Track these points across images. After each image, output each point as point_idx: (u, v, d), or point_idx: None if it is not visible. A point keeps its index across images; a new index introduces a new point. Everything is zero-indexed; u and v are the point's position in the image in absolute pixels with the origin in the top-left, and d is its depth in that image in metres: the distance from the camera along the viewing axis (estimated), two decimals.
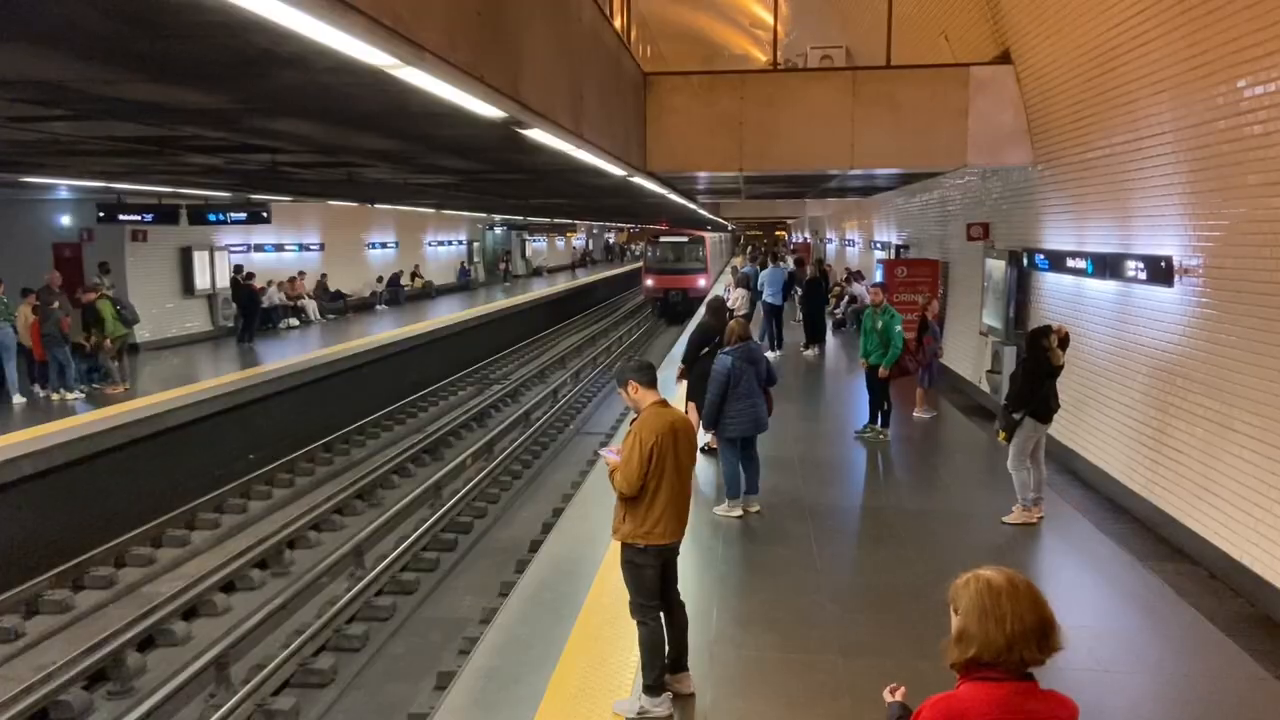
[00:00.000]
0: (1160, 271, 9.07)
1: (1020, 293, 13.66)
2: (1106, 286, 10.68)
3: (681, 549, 5.50)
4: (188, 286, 21.82)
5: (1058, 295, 12.49)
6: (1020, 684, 2.41)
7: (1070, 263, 11.39)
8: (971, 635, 2.41)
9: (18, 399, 13.78)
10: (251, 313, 21.40)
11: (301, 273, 26.46)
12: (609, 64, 10.59)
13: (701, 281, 36.44)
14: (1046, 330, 8.49)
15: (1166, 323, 9.25)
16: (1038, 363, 8.38)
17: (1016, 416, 8.39)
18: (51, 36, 4.63)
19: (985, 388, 14.67)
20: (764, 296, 20.06)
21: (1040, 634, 2.41)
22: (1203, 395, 8.54)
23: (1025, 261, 13.12)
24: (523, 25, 6.74)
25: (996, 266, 14.30)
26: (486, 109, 6.04)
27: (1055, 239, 12.34)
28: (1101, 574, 7.62)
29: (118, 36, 4.56)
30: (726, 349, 8.86)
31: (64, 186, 17.28)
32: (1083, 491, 10.61)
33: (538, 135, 7.57)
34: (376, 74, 4.64)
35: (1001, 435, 8.58)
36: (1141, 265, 9.47)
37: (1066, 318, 12.11)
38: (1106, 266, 10.30)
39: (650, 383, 5.40)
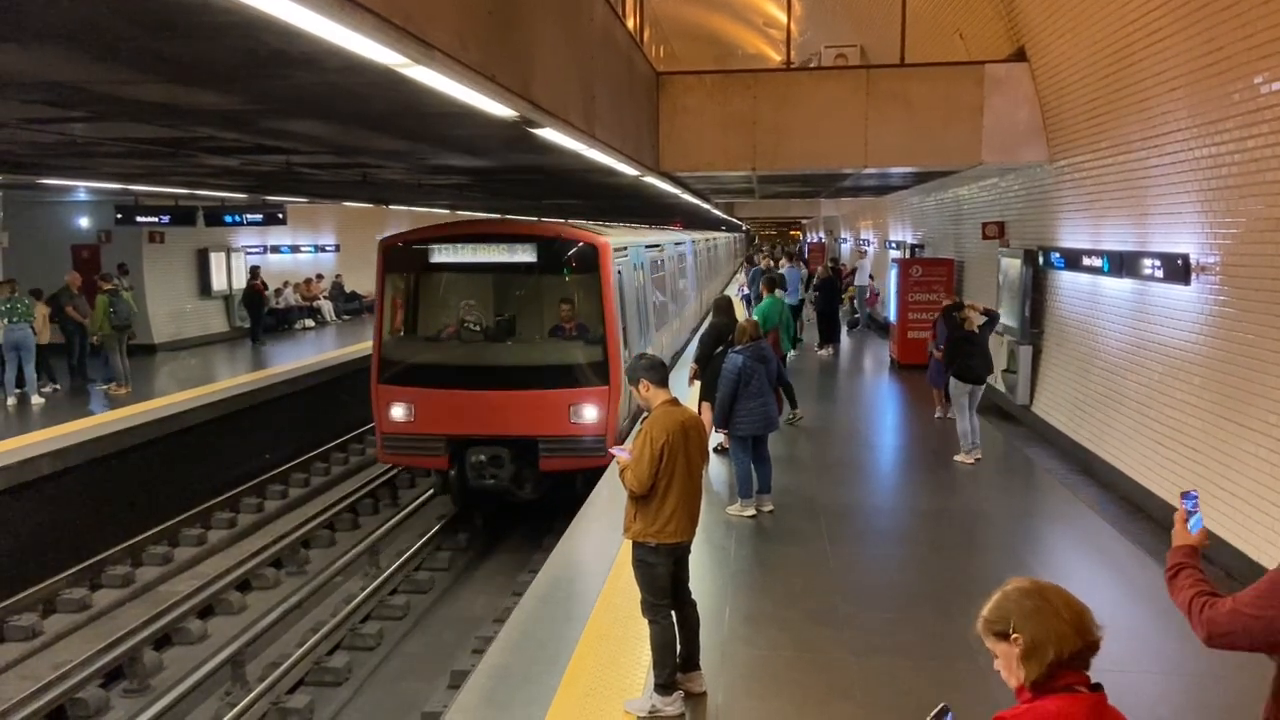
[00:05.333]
0: (1177, 269, 9.00)
1: (1036, 291, 13.58)
2: (1123, 285, 10.60)
3: (693, 548, 5.50)
4: (204, 288, 21.98)
5: (1074, 294, 12.42)
6: (1099, 696, 2.32)
7: (1086, 261, 11.31)
8: (1042, 639, 2.29)
9: (35, 399, 13.90)
10: (257, 314, 21.51)
11: (319, 275, 26.59)
12: (621, 63, 10.59)
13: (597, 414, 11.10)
14: (959, 305, 11.34)
15: (1183, 321, 9.18)
16: (954, 332, 10.90)
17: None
18: (67, 38, 4.66)
19: (1001, 387, 14.59)
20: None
21: (1084, 615, 2.35)
22: (1219, 394, 8.47)
23: (1041, 260, 13.05)
24: (534, 24, 6.75)
25: (1012, 265, 14.22)
26: (498, 108, 6.05)
27: (1071, 237, 12.27)
28: (1117, 572, 7.57)
29: (132, 37, 4.59)
30: (737, 348, 8.85)
31: (82, 188, 17.42)
32: (1098, 490, 10.54)
33: (549, 135, 7.57)
34: (388, 74, 4.66)
35: (938, 396, 11.42)
36: (1158, 263, 9.40)
37: (1083, 316, 12.05)
38: (1122, 265, 10.23)
39: (662, 381, 5.40)
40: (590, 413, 10.70)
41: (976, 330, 10.78)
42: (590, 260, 11.13)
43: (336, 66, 4.91)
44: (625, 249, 12.74)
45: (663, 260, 17.70)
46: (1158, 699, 5.44)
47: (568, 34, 7.96)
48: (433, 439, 10.86)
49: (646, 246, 15.34)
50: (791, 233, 68.03)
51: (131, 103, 6.66)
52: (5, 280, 14.61)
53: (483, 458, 10.64)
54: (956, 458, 10.78)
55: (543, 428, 10.67)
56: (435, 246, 11.23)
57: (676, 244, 21.35)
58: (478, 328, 11.36)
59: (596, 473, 10.08)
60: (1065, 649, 2.28)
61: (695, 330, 20.47)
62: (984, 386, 10.78)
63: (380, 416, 11.13)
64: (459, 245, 11.26)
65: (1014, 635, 2.31)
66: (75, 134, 8.67)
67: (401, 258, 11.55)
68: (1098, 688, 2.32)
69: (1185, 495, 3.25)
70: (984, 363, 10.76)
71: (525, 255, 11.09)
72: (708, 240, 33.50)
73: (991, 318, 11.35)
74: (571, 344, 11.19)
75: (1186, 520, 3.19)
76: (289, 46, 4.51)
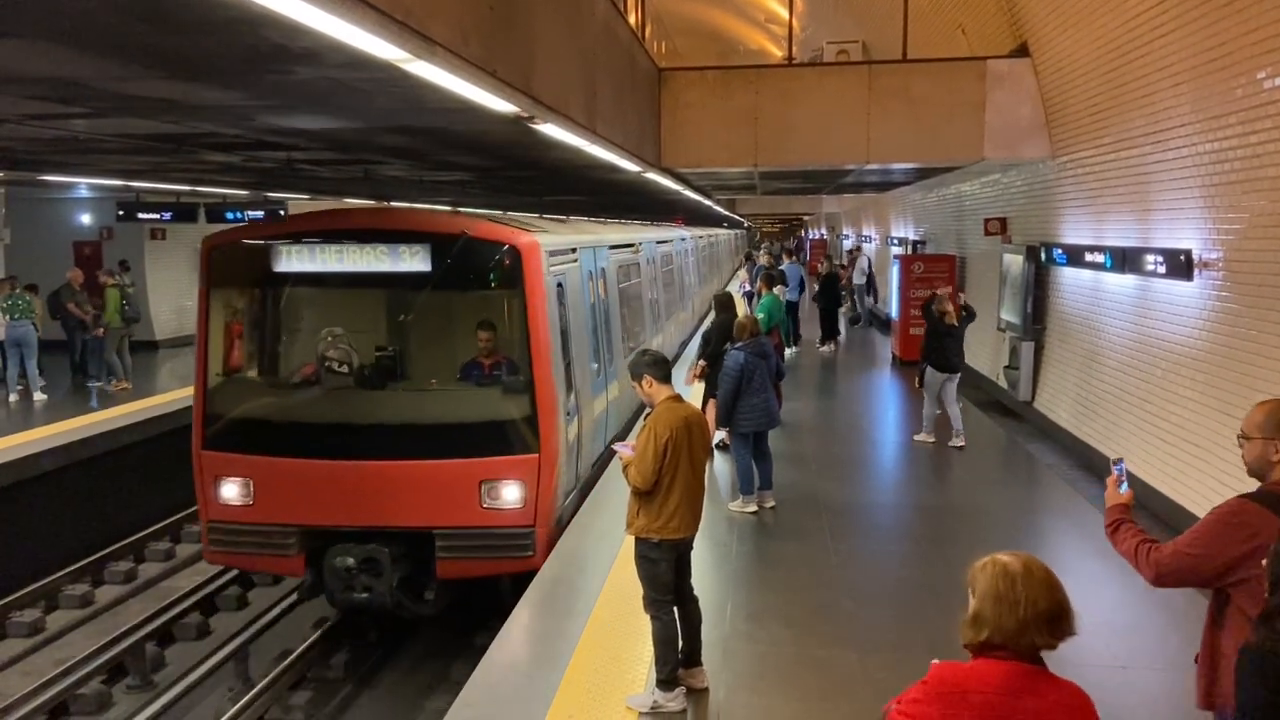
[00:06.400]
0: (1179, 265, 8.99)
1: (1038, 288, 13.57)
2: (1125, 281, 10.59)
3: (695, 544, 5.50)
4: None
5: (1076, 290, 12.41)
6: (1027, 666, 2.46)
7: (1088, 257, 11.30)
8: (985, 618, 2.48)
9: (38, 396, 13.91)
10: None
11: None
12: (623, 59, 10.58)
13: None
14: (934, 298, 11.41)
15: (1185, 316, 9.16)
16: (933, 325, 11.17)
17: (922, 367, 11.23)
18: (68, 33, 4.66)
19: (1003, 383, 14.59)
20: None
21: (1052, 619, 2.45)
22: (1221, 389, 8.46)
23: (1043, 256, 13.03)
24: (535, 19, 6.74)
25: (1014, 261, 14.21)
26: (499, 104, 6.04)
27: (1073, 233, 12.25)
28: (1120, 569, 7.53)
29: (133, 32, 4.58)
30: (739, 345, 8.83)
31: (84, 185, 17.44)
32: (1100, 486, 10.52)
33: (551, 130, 7.56)
34: (389, 69, 4.65)
35: (916, 382, 11.38)
36: (1160, 259, 9.39)
37: (1085, 312, 12.04)
38: (1125, 260, 10.22)
39: (665, 377, 5.40)
40: (511, 492, 7.57)
41: (956, 324, 11.17)
42: (507, 269, 7.83)
43: (338, 62, 4.91)
44: (571, 252, 9.46)
45: (639, 265, 14.20)
46: (1159, 695, 5.43)
47: (569, 29, 7.95)
48: (280, 532, 7.66)
49: (613, 248, 12.13)
50: (798, 233, 67.76)
51: (133, 99, 6.66)
52: (6, 277, 14.63)
53: (350, 561, 7.42)
54: (917, 437, 11.49)
55: (441, 515, 7.53)
56: (283, 248, 7.91)
57: (661, 243, 17.69)
58: (346, 368, 7.97)
59: (529, 574, 7.32)
60: (999, 637, 2.46)
61: (685, 345, 18.60)
62: (959, 375, 11.34)
63: (204, 497, 7.90)
64: (317, 246, 7.88)
65: (971, 599, 2.55)
66: (77, 130, 8.66)
67: (234, 264, 8.23)
68: (1037, 660, 2.48)
69: (1115, 463, 3.74)
70: (959, 354, 11.36)
71: (415, 261, 7.74)
72: (708, 237, 31.35)
73: (969, 313, 11.77)
74: (485, 392, 8.00)
75: (1118, 484, 3.65)
76: (290, 42, 4.50)
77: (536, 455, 7.63)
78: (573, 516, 8.41)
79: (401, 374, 8.16)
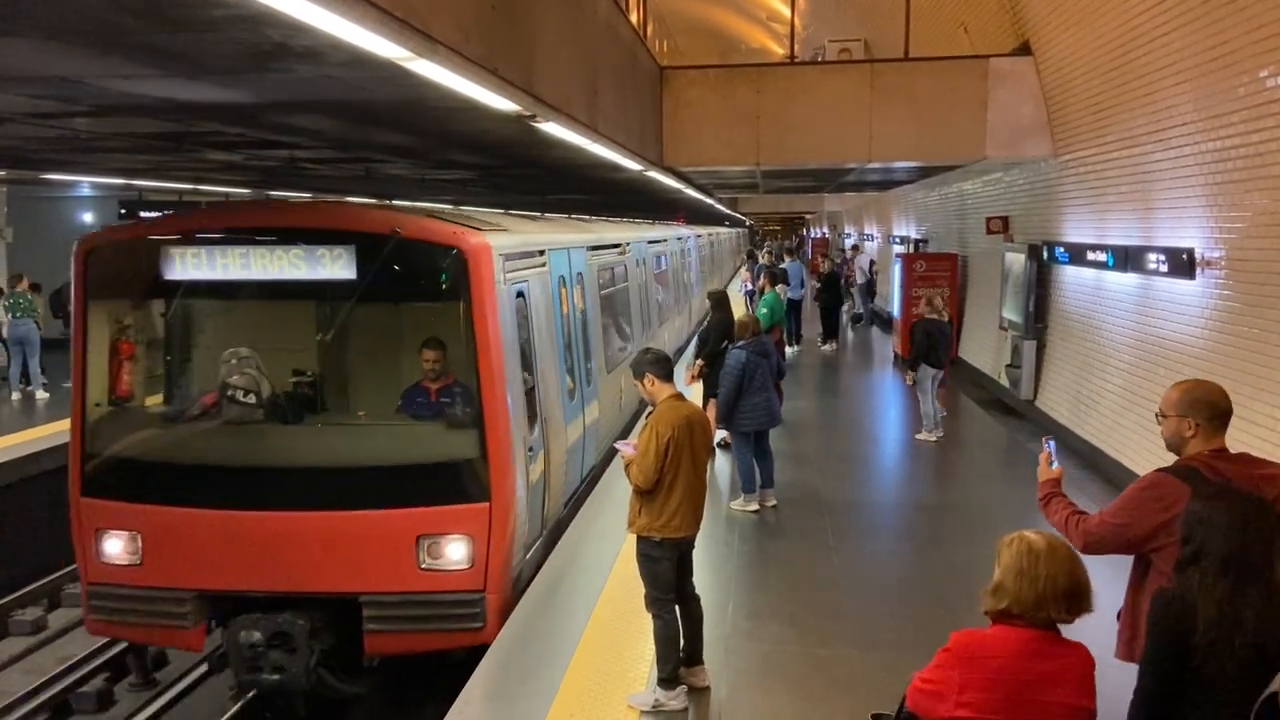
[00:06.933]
0: (1182, 264, 8.97)
1: (1040, 286, 13.55)
2: (1127, 279, 10.57)
3: (697, 543, 5.50)
4: None
5: (1078, 288, 12.39)
6: (1043, 633, 2.73)
7: (1091, 255, 11.28)
8: (1006, 590, 2.75)
9: (40, 394, 13.93)
10: None
11: None
12: (625, 57, 10.57)
13: None
14: (929, 304, 12.12)
15: (1188, 315, 9.15)
16: (928, 325, 11.72)
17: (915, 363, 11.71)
18: (68, 31, 4.66)
19: (1005, 382, 14.57)
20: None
21: (1071, 596, 2.72)
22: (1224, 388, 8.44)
23: (1045, 255, 13.02)
24: (537, 18, 6.74)
25: (1016, 260, 14.19)
26: (501, 102, 6.04)
27: (1075, 232, 12.24)
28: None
29: (133, 30, 4.58)
30: (740, 343, 8.83)
31: (86, 184, 17.44)
32: (1102, 485, 10.51)
33: (553, 129, 7.55)
34: (390, 67, 4.65)
35: (910, 377, 11.68)
36: (1163, 257, 9.37)
37: (1087, 311, 12.03)
38: (1127, 259, 10.20)
39: (667, 376, 5.41)
40: (455, 550, 6.22)
41: (946, 320, 12.07)
42: (450, 276, 6.44)
43: (339, 60, 4.91)
44: (537, 255, 8.16)
45: (626, 268, 12.90)
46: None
47: (571, 28, 7.95)
48: (174, 598, 6.30)
49: (593, 249, 10.89)
50: (799, 231, 67.74)
51: (135, 97, 6.66)
52: (15, 275, 14.64)
53: (256, 635, 6.10)
54: (919, 436, 11.70)
55: (370, 578, 6.22)
56: (175, 251, 6.49)
57: (653, 242, 16.13)
58: (253, 398, 6.66)
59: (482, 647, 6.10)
60: (1017, 608, 2.74)
61: (682, 352, 17.12)
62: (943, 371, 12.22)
63: (84, 554, 6.53)
64: (216, 249, 6.46)
65: (996, 571, 2.83)
66: (79, 128, 8.67)
67: (118, 270, 6.84)
68: (1051, 626, 2.75)
69: (1046, 440, 4.17)
70: (947, 350, 12.28)
71: (338, 267, 6.36)
72: (709, 236, 29.83)
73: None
74: (424, 426, 6.68)
75: (1049, 461, 4.03)
76: (292, 40, 4.50)
77: (487, 504, 6.25)
78: (536, 572, 7.07)
79: (322, 405, 6.78)
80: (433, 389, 6.69)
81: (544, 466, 7.40)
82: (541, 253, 8.29)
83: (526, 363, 7.20)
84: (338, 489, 6.30)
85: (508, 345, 6.61)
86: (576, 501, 8.79)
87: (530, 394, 7.16)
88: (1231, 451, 3.71)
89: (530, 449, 6.94)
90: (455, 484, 6.31)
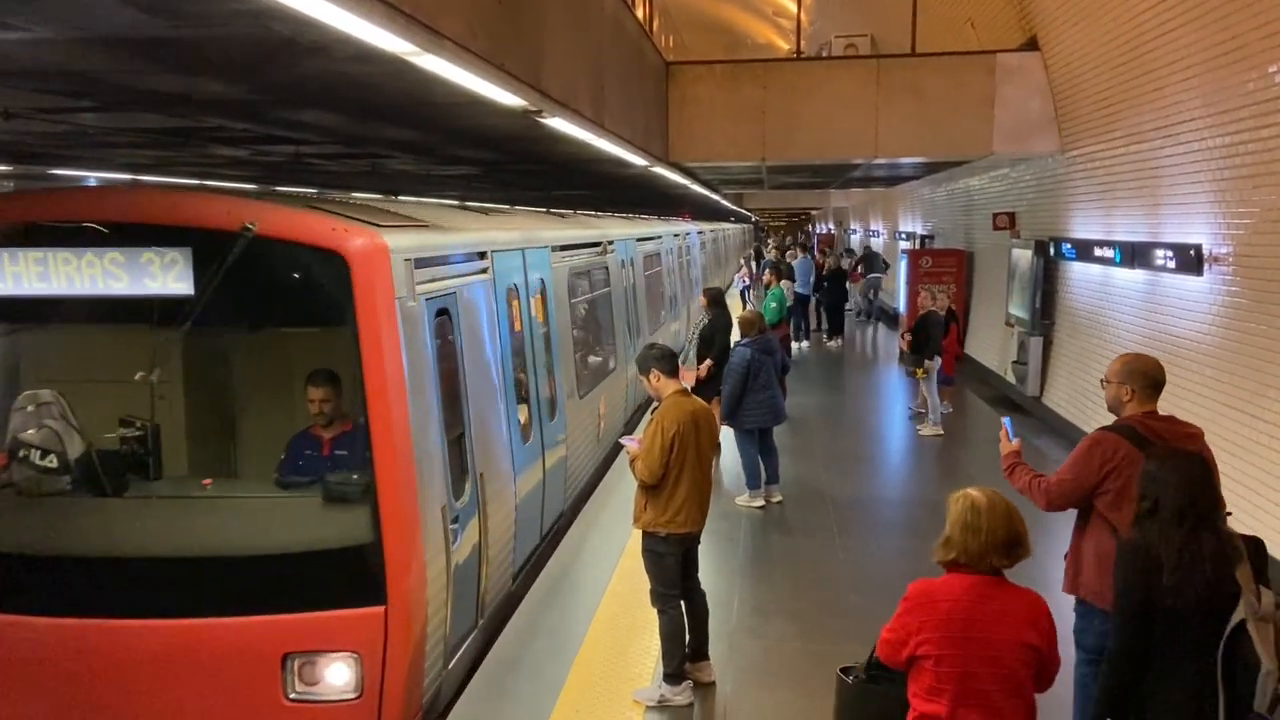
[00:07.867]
0: (1189, 260, 8.94)
1: (1047, 283, 13.51)
2: (1134, 276, 10.54)
3: (702, 538, 5.51)
4: None
5: (1085, 285, 12.36)
6: (988, 578, 3.12)
7: (1098, 252, 11.25)
8: (954, 541, 3.15)
9: None
10: None
11: None
12: (631, 53, 10.57)
13: None
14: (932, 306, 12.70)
15: (1195, 312, 9.12)
16: (931, 317, 12.29)
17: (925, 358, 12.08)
18: (77, 27, 4.67)
19: (1011, 378, 14.54)
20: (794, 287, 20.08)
21: (1010, 545, 3.10)
22: (1231, 385, 8.42)
23: (1052, 251, 12.99)
24: (544, 13, 6.74)
25: (1023, 256, 14.16)
26: (507, 97, 6.05)
27: (1082, 228, 12.21)
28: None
29: (141, 26, 4.59)
30: (744, 341, 8.82)
31: (92, 179, 17.46)
32: None
33: (559, 124, 7.56)
34: (397, 62, 4.66)
35: (920, 372, 11.99)
36: (1170, 254, 9.34)
37: (1094, 307, 12.00)
38: (1134, 255, 10.17)
39: (672, 371, 5.41)
40: (336, 673, 4.54)
41: (944, 310, 12.64)
42: (325, 289, 4.74)
43: (346, 55, 4.91)
44: (478, 258, 6.40)
45: (608, 270, 11.16)
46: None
47: (577, 23, 7.95)
48: None
49: (560, 249, 8.92)
50: (805, 227, 67.62)
51: (142, 92, 6.67)
52: None
53: None
54: (925, 432, 11.91)
55: (218, 713, 4.56)
56: None
57: (645, 239, 14.40)
58: (54, 460, 4.78)
59: None
60: (964, 558, 3.12)
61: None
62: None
63: None
64: (3, 252, 4.62)
65: (946, 525, 3.20)
66: (86, 124, 8.69)
67: None
68: (996, 572, 3.13)
69: (1004, 418, 4.76)
70: (940, 337, 12.54)
71: (170, 276, 4.58)
72: (712, 233, 27.75)
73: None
74: (296, 498, 4.87)
75: (1008, 437, 4.60)
76: (299, 35, 4.51)
77: (381, 608, 4.52)
78: (466, 682, 5.45)
79: (155, 469, 4.85)
80: (325, 438, 5.04)
81: (478, 537, 5.64)
82: (483, 255, 6.46)
83: (452, 403, 5.48)
84: (172, 589, 4.57)
85: (416, 383, 4.85)
86: (532, 571, 7.10)
87: (458, 443, 5.49)
88: (1161, 414, 4.25)
89: (455, 519, 5.23)
90: (336, 580, 4.58)
